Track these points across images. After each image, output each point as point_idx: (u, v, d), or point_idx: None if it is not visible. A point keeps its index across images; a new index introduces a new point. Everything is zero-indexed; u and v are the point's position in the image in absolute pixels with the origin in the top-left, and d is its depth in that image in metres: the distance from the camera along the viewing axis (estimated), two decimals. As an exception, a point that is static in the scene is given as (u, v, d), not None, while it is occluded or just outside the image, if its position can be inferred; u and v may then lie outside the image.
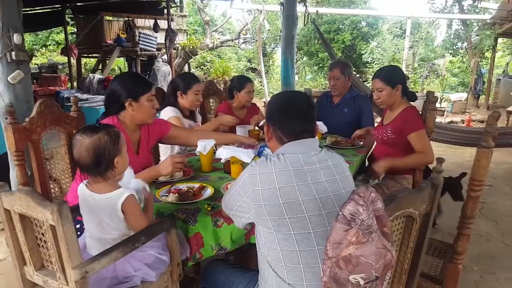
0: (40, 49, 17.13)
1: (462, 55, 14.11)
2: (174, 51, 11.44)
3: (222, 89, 3.90)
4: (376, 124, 2.93)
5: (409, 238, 1.15)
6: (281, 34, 6.07)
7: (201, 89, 2.76)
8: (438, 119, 7.55)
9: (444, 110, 9.63)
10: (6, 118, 2.06)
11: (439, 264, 1.83)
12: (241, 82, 3.17)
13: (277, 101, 1.43)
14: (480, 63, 12.10)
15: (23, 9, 2.86)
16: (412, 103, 2.53)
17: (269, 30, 16.35)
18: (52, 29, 14.73)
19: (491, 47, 11.04)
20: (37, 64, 12.33)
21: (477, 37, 12.12)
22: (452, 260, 1.60)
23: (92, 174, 1.41)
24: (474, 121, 8.88)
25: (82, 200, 1.47)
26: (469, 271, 2.42)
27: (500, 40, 12.01)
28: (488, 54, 12.56)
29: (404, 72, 2.65)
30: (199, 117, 2.96)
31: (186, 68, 13.92)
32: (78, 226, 1.69)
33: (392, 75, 2.44)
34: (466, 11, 12.77)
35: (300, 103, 1.37)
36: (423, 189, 1.12)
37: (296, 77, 11.23)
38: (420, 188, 1.12)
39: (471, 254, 2.41)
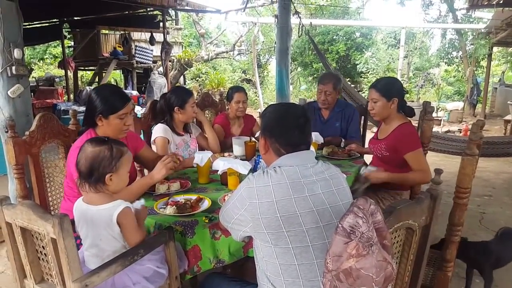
0: (38, 63, 17.20)
1: (457, 64, 14.23)
2: (170, 63, 11.51)
3: (217, 100, 3.92)
4: (372, 135, 2.92)
5: (409, 250, 1.16)
6: (275, 45, 6.13)
7: (195, 101, 2.78)
8: (435, 129, 7.59)
9: (441, 120, 9.65)
10: (7, 132, 2.07)
11: (429, 272, 1.83)
12: (230, 92, 3.21)
13: (275, 113, 1.42)
14: (475, 72, 12.21)
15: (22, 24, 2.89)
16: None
17: (263, 41, 16.49)
18: (50, 42, 14.82)
19: (487, 56, 11.15)
20: (35, 77, 12.35)
21: (472, 46, 12.23)
22: (441, 268, 1.61)
23: (84, 181, 1.44)
24: (472, 130, 8.91)
25: (79, 215, 1.48)
26: (465, 280, 2.40)
27: (495, 49, 12.14)
28: (483, 63, 12.68)
29: (403, 86, 2.55)
30: (196, 131, 2.96)
31: (181, 80, 13.98)
32: (79, 240, 1.69)
33: (389, 87, 2.35)
34: (460, 20, 12.91)
35: (298, 115, 1.38)
36: (422, 201, 1.13)
37: (291, 87, 11.30)
38: (419, 200, 1.13)
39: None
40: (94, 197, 1.45)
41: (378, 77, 12.58)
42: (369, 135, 3.68)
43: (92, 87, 9.11)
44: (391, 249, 0.97)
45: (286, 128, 1.36)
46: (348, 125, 3.21)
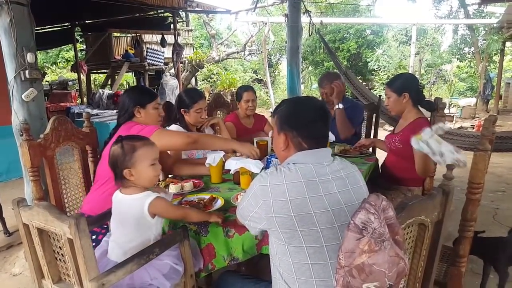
0: (51, 67, 17.51)
1: (469, 60, 14.02)
2: (181, 65, 11.60)
3: (229, 101, 3.94)
4: (384, 132, 2.93)
5: (422, 245, 1.15)
6: (286, 45, 6.13)
7: (203, 107, 2.70)
8: (448, 125, 7.46)
9: (453, 116, 9.55)
10: (21, 135, 2.12)
11: (442, 268, 1.83)
12: (239, 92, 3.23)
13: (295, 106, 1.38)
14: (488, 67, 12.01)
15: (35, 29, 2.94)
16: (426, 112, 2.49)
17: (274, 41, 16.46)
18: (62, 46, 15.08)
19: (499, 51, 10.96)
20: (48, 81, 12.57)
21: (484, 41, 12.03)
22: (454, 263, 1.60)
23: (115, 179, 1.56)
24: (485, 125, 8.74)
25: (115, 205, 1.57)
26: (480, 276, 2.38)
27: (508, 43, 11.93)
28: (496, 58, 12.47)
29: (419, 81, 2.58)
30: (209, 131, 2.97)
31: (193, 81, 14.08)
32: (94, 237, 1.73)
33: (400, 83, 2.43)
34: (471, 15, 12.72)
35: (319, 107, 1.36)
36: (434, 196, 1.13)
37: (302, 86, 11.29)
38: (431, 195, 1.13)
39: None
40: (127, 189, 1.54)
41: (390, 75, 12.50)
42: (380, 132, 3.67)
43: (105, 90, 9.24)
44: (404, 245, 0.97)
45: (308, 120, 1.32)
46: (351, 120, 3.19)
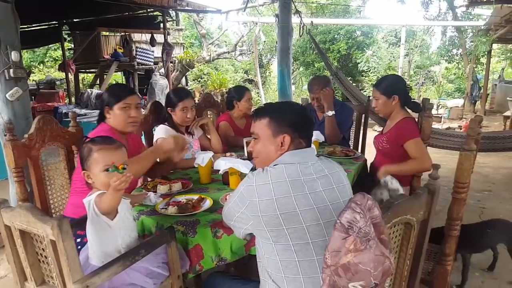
0: (38, 66, 17.23)
1: (457, 61, 14.21)
2: (171, 64, 11.52)
3: (219, 101, 3.92)
4: (374, 133, 2.94)
5: (408, 244, 1.16)
6: (276, 45, 6.12)
7: (189, 106, 2.66)
8: (435, 126, 7.57)
9: (441, 117, 9.67)
10: (5, 135, 2.06)
11: (429, 267, 1.84)
12: (240, 91, 3.24)
13: (292, 108, 1.45)
14: (475, 69, 12.19)
15: (20, 27, 2.89)
16: (413, 113, 2.52)
17: (265, 41, 16.50)
18: (50, 45, 14.86)
19: (486, 53, 11.13)
20: (35, 81, 12.37)
21: (471, 43, 12.20)
22: (441, 262, 1.62)
23: None
24: (472, 126, 8.83)
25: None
26: (470, 276, 2.41)
27: (495, 45, 12.13)
28: (483, 60, 12.66)
29: (406, 83, 2.63)
30: (199, 132, 2.95)
31: (183, 81, 14.00)
32: (79, 240, 1.70)
33: (389, 85, 2.44)
34: (460, 18, 12.89)
35: (304, 109, 1.48)
36: (419, 196, 1.13)
37: (293, 87, 11.32)
38: (416, 195, 1.13)
39: (472, 260, 2.40)
40: (91, 191, 1.50)
41: (379, 76, 12.60)
42: (369, 133, 3.69)
43: (93, 90, 9.14)
44: (389, 244, 0.98)
45: (308, 122, 1.45)
46: (340, 124, 3.18)
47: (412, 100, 2.54)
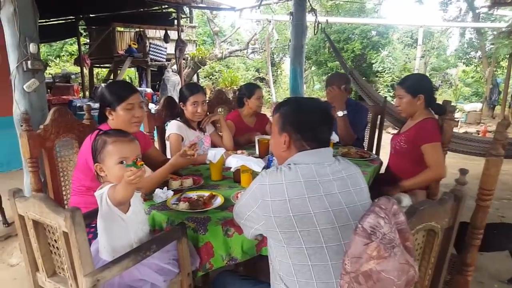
0: (54, 60, 17.49)
1: (476, 64, 13.91)
2: (184, 61, 11.56)
3: (231, 98, 3.90)
4: (389, 135, 2.87)
5: (430, 253, 1.11)
6: (290, 43, 6.06)
7: (200, 100, 2.64)
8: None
9: (458, 121, 9.43)
10: (22, 126, 2.09)
11: (447, 277, 1.76)
12: (250, 88, 3.20)
13: (301, 107, 1.34)
14: (495, 72, 11.89)
15: (39, 21, 2.91)
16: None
17: (277, 39, 16.43)
18: (66, 40, 15.05)
19: (508, 56, 10.81)
20: (51, 74, 12.54)
21: (492, 45, 11.88)
22: (461, 272, 1.56)
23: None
24: (490, 131, 8.46)
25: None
26: (484, 285, 2.33)
27: (516, 48, 11.79)
28: (503, 63, 12.35)
29: (433, 83, 2.52)
30: (210, 128, 2.92)
31: (195, 78, 14.05)
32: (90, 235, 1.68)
33: (415, 84, 2.33)
34: (480, 19, 12.58)
35: (324, 109, 1.34)
36: (445, 202, 1.08)
37: (304, 86, 11.21)
38: (442, 201, 1.08)
39: (490, 270, 2.32)
40: (102, 184, 1.48)
41: (394, 77, 12.37)
42: (384, 136, 3.61)
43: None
44: (414, 252, 0.93)
45: (313, 123, 1.30)
46: (354, 125, 3.09)
47: (436, 102, 2.42)
